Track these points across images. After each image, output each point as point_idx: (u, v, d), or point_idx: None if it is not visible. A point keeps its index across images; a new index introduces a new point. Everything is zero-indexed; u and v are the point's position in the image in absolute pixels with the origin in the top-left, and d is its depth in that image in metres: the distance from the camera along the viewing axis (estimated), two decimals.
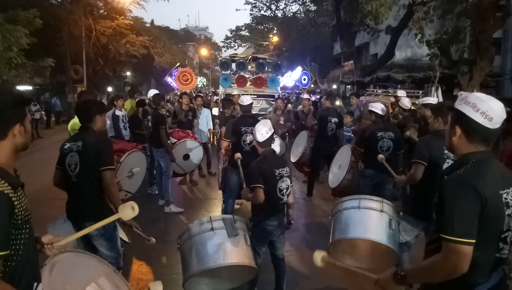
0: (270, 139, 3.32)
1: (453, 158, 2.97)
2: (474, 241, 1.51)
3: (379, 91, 11.47)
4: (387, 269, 1.90)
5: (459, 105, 1.66)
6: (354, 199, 3.16)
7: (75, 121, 4.10)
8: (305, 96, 9.38)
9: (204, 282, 3.02)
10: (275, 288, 3.42)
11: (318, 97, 17.18)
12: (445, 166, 3.02)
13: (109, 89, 27.19)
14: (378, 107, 4.65)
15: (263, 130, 3.26)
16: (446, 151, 3.02)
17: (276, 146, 6.90)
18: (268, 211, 3.22)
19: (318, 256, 2.06)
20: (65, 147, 2.95)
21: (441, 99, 10.88)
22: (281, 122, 7.71)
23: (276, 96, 9.10)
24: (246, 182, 3.46)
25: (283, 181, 3.21)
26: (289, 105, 10.32)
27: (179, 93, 11.10)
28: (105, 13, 23.58)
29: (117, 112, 6.91)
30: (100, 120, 3.07)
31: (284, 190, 3.22)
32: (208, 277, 2.99)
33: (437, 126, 3.25)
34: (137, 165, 5.28)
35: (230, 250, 2.83)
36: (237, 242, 2.88)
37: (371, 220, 3.01)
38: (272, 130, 3.35)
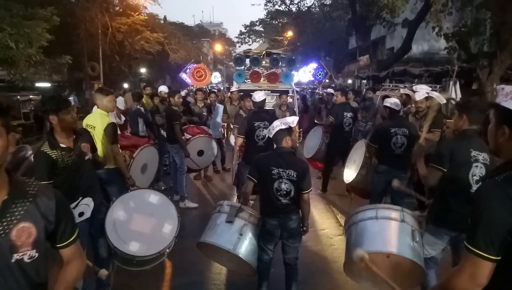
0: (279, 135, 3.14)
1: (483, 160, 2.74)
2: (496, 257, 1.36)
3: (401, 86, 11.24)
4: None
5: (506, 102, 1.46)
6: (371, 209, 2.93)
7: (87, 118, 4.15)
8: (329, 90, 9.28)
9: (213, 251, 3.36)
10: None
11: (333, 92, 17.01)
12: (475, 170, 2.74)
13: (125, 85, 27.51)
14: (392, 102, 4.58)
15: (274, 125, 3.19)
16: (474, 153, 2.75)
17: None
18: (265, 209, 3.20)
19: (360, 253, 2.11)
20: None
21: (459, 94, 10.68)
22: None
23: (291, 92, 9.05)
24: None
25: (281, 182, 3.05)
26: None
27: (194, 89, 11.15)
28: (121, 10, 23.88)
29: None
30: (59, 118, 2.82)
31: (283, 192, 3.06)
32: (215, 250, 3.28)
33: (461, 125, 2.87)
34: (150, 160, 5.35)
35: (219, 232, 3.14)
36: (229, 227, 3.12)
37: (391, 231, 2.76)
38: (283, 127, 3.15)
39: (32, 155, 2.81)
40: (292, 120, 3.23)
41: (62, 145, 2.80)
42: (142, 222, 3.24)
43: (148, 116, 7.17)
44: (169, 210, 3.46)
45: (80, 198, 2.91)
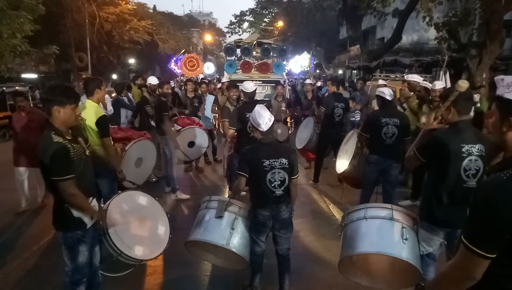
0: (271, 128, 3.14)
1: (477, 152, 2.61)
2: (491, 255, 1.34)
3: (392, 76, 11.28)
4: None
5: (509, 93, 1.43)
6: (360, 209, 2.87)
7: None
8: (308, 81, 9.25)
9: (202, 249, 3.42)
10: (279, 285, 3.33)
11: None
12: (469, 164, 2.62)
13: (114, 76, 27.16)
14: (386, 92, 4.56)
15: (266, 119, 3.08)
16: (467, 147, 2.61)
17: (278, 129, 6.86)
18: (258, 200, 3.15)
19: None
20: None
21: (449, 83, 10.74)
22: (283, 108, 7.65)
23: (282, 82, 9.00)
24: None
25: (274, 173, 3.03)
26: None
27: (184, 80, 11.03)
28: None
29: None
30: (63, 111, 2.52)
31: (276, 183, 3.04)
32: (204, 248, 3.31)
33: (450, 118, 2.71)
34: (146, 154, 5.20)
35: (209, 228, 3.10)
36: (220, 223, 3.10)
37: (380, 231, 2.70)
38: (273, 118, 3.16)
39: (45, 150, 2.41)
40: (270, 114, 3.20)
41: (67, 137, 2.52)
42: (139, 225, 3.21)
43: (132, 106, 7.15)
44: (158, 211, 3.47)
45: (91, 198, 2.71)
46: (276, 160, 3.04)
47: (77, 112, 2.64)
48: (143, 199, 3.37)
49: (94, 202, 2.76)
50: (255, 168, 3.06)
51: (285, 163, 3.06)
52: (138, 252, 3.02)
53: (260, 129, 3.09)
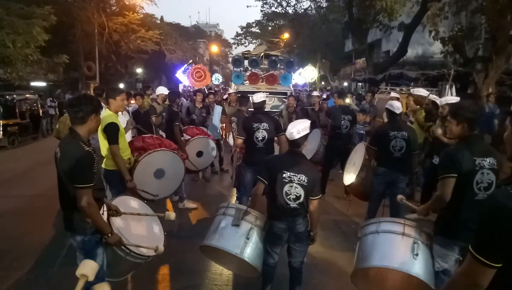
0: (301, 140, 3.11)
1: (489, 166, 2.65)
2: (496, 265, 1.38)
3: (398, 89, 11.30)
4: None
5: None
6: (373, 223, 2.95)
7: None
8: (315, 93, 9.31)
9: (215, 253, 3.43)
10: None
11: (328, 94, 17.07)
12: (481, 177, 2.64)
13: (121, 85, 27.43)
14: (394, 105, 4.61)
15: (294, 130, 3.09)
16: (479, 161, 2.65)
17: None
18: (273, 212, 3.16)
19: None
20: (55, 151, 2.69)
21: (455, 97, 10.77)
22: (293, 120, 7.71)
23: (288, 94, 9.09)
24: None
25: (291, 186, 3.03)
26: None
27: (192, 90, 11.16)
28: (117, 10, 23.86)
29: None
30: (96, 118, 2.69)
31: (292, 196, 3.03)
32: (218, 252, 3.33)
33: (461, 133, 2.77)
34: (167, 165, 4.98)
35: (225, 235, 3.16)
36: (236, 231, 3.14)
37: (389, 245, 2.74)
38: (306, 132, 3.11)
39: (74, 157, 2.50)
40: (307, 125, 3.18)
41: (90, 147, 2.63)
42: (138, 226, 3.31)
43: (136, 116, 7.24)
44: (149, 212, 3.56)
45: (103, 206, 2.85)
46: (296, 175, 3.04)
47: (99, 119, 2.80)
48: (134, 202, 3.53)
49: (105, 207, 2.87)
50: (275, 177, 3.08)
51: (304, 181, 3.04)
52: (143, 250, 3.12)
53: (288, 137, 3.14)
